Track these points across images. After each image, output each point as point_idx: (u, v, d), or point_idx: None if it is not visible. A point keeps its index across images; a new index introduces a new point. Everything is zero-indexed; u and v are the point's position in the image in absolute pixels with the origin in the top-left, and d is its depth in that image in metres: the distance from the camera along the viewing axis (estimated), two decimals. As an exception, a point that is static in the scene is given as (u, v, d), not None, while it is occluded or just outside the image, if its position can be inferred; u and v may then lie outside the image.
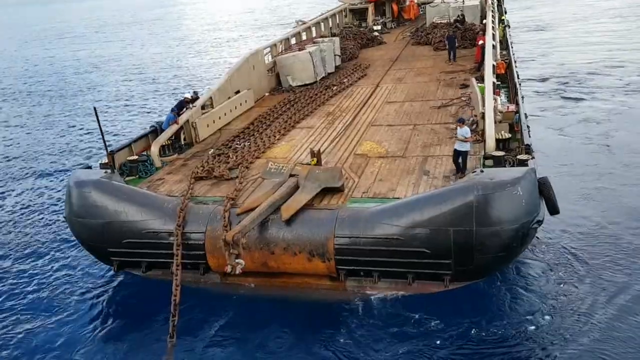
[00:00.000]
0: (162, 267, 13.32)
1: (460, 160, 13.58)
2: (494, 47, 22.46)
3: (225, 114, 20.40)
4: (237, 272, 11.60)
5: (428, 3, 39.24)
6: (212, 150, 17.38)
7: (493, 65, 19.44)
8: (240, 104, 21.64)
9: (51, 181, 22.37)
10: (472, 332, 11.15)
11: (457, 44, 27.30)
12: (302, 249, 12.14)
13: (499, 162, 13.13)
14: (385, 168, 14.75)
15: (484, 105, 15.84)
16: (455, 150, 13.70)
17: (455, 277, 11.84)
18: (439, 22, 34.44)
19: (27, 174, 23.37)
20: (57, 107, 36.26)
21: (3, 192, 21.62)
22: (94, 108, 14.17)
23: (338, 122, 19.11)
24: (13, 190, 21.61)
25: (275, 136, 18.15)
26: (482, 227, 11.00)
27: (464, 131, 13.45)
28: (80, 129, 30.37)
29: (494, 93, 16.48)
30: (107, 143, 14.58)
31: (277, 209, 12.57)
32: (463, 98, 19.92)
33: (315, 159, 14.81)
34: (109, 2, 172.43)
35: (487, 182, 11.23)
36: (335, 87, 23.74)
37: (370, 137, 17.23)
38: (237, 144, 17.80)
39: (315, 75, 25.20)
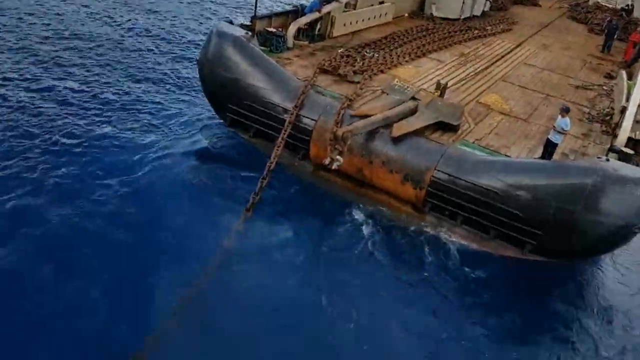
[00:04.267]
0: (268, 138, 13.98)
1: (549, 150, 12.46)
2: (657, 47, 20.67)
3: (363, 20, 20.21)
4: (333, 167, 12.03)
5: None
6: (341, 49, 17.46)
7: (650, 65, 18.04)
8: (380, 15, 21.31)
9: (200, 24, 23.58)
10: (529, 308, 11.19)
11: (615, 35, 24.87)
12: (399, 169, 12.38)
13: (624, 159, 12.47)
14: (505, 125, 14.41)
15: (627, 100, 14.89)
16: (547, 139, 12.56)
17: (537, 249, 11.80)
18: (604, 4, 31.72)
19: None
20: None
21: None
22: None
23: (470, 66, 18.53)
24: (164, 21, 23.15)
25: (404, 57, 17.90)
26: (587, 213, 10.75)
27: (564, 122, 12.20)
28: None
29: (641, 93, 15.39)
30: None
31: (390, 124, 12.74)
32: (605, 87, 18.73)
33: (439, 92, 14.62)
34: None
35: (610, 171, 10.81)
36: (476, 31, 22.78)
37: (497, 91, 16.70)
38: (366, 52, 17.76)
39: (461, 12, 24.21)
